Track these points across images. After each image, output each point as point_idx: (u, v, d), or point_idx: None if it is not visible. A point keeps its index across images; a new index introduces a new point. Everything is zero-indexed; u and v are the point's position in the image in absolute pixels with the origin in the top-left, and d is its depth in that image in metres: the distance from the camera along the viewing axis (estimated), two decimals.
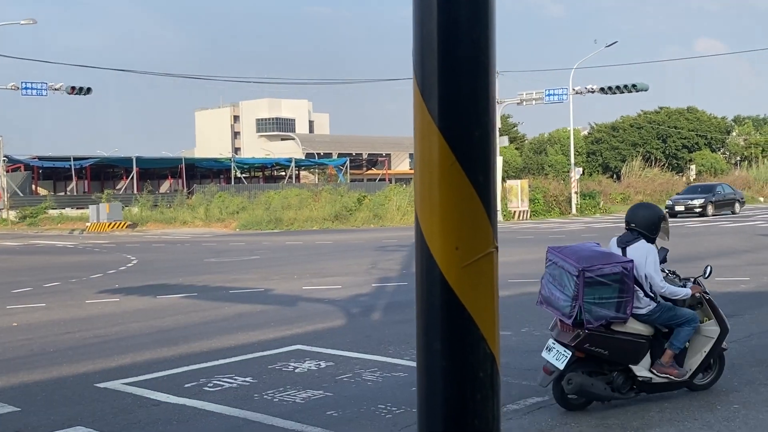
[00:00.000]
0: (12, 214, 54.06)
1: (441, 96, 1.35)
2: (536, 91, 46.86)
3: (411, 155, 76.04)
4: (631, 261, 6.89)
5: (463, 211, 1.35)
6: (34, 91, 40.48)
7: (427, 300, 1.40)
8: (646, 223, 7.26)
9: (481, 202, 1.36)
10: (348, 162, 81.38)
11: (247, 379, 8.35)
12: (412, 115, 1.39)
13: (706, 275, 7.63)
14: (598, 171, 78.23)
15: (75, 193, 67.70)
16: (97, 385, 8.27)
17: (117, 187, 69.67)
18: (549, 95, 45.99)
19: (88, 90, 41.16)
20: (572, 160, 53.03)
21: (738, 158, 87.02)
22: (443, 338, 1.39)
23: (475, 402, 1.39)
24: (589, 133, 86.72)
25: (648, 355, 7.01)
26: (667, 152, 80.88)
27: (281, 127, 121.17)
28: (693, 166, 65.91)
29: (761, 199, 67.00)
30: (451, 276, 1.36)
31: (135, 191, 63.09)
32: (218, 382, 8.21)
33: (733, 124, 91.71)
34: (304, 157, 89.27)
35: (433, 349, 1.40)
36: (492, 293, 1.40)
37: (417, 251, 1.40)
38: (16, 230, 49.15)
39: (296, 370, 8.68)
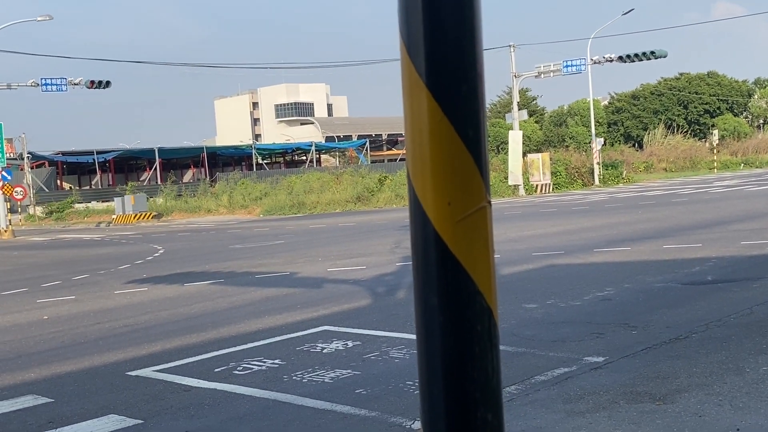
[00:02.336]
0: (38, 210, 54.64)
1: (427, 52, 1.36)
2: (554, 63, 46.55)
3: None
4: None
5: (454, 167, 1.37)
6: (54, 87, 40.68)
7: (422, 257, 1.42)
8: None
9: (471, 156, 1.38)
10: (368, 143, 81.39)
11: (276, 361, 8.41)
12: (400, 73, 1.41)
13: None
14: (619, 141, 77.79)
15: (99, 187, 68.27)
16: (129, 373, 8.36)
17: (141, 179, 70.17)
18: (567, 66, 45.65)
19: (108, 83, 41.33)
20: (593, 131, 52.73)
21: (761, 121, 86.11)
22: (439, 294, 1.41)
23: (474, 355, 1.42)
24: (609, 103, 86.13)
25: None
26: (689, 118, 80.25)
27: (300, 111, 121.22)
28: (716, 131, 65.26)
29: None
30: (445, 232, 1.38)
31: (159, 182, 63.50)
32: (247, 366, 8.28)
33: (754, 87, 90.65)
34: (323, 141, 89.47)
35: (430, 304, 1.42)
36: (487, 247, 1.42)
37: (410, 209, 1.43)
38: (43, 225, 49.63)
39: (324, 351, 8.74)
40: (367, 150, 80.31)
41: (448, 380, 1.42)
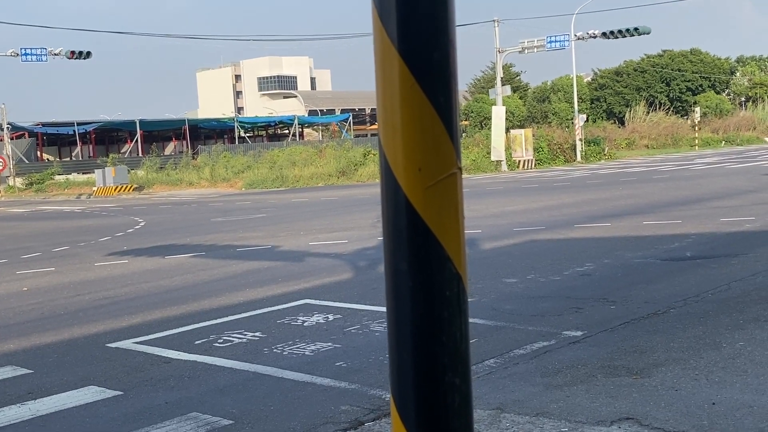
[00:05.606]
0: (18, 181, 54.23)
1: (399, 18, 1.37)
2: (538, 38, 46.47)
3: None
4: None
5: (425, 133, 1.37)
6: (34, 57, 40.26)
7: (392, 222, 1.43)
8: None
9: (442, 123, 1.38)
10: (351, 117, 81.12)
11: (257, 334, 8.42)
12: (372, 38, 1.40)
13: None
14: (602, 117, 77.86)
15: (80, 158, 67.79)
16: (109, 345, 8.35)
17: (122, 151, 69.73)
18: (551, 42, 45.59)
19: (88, 54, 40.94)
20: (576, 107, 52.75)
21: (743, 99, 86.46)
22: (409, 259, 1.42)
23: (443, 320, 1.43)
24: (592, 80, 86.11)
25: None
26: (671, 96, 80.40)
27: (283, 85, 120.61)
28: (697, 109, 65.50)
29: (767, 139, 66.70)
30: (415, 198, 1.39)
31: (140, 154, 63.14)
32: (228, 338, 8.29)
33: (736, 64, 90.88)
34: (306, 115, 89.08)
35: (400, 270, 1.43)
36: (457, 214, 1.42)
37: (381, 175, 1.43)
38: (24, 197, 49.31)
39: (305, 324, 8.75)
40: (350, 124, 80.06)
41: (417, 345, 1.44)
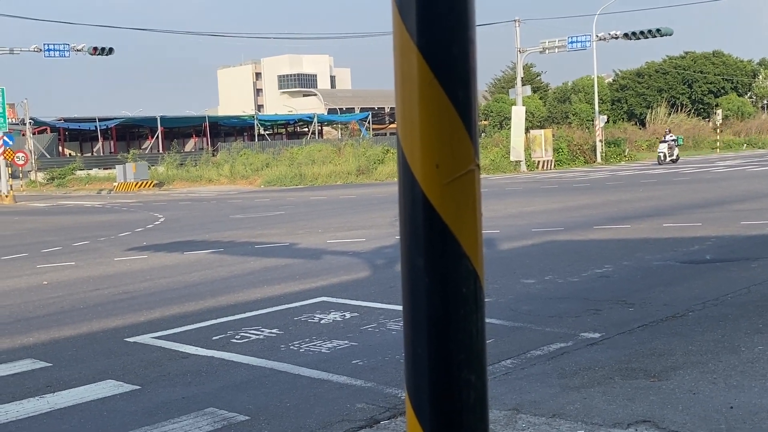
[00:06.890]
0: (40, 176, 54.65)
1: (419, 13, 1.37)
2: (559, 38, 46.31)
3: None
4: None
5: (443, 129, 1.37)
6: (57, 53, 40.49)
7: (409, 218, 1.43)
8: None
9: (461, 119, 1.38)
10: (370, 116, 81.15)
11: (274, 330, 8.44)
12: (392, 34, 1.40)
13: None
14: (623, 118, 77.49)
15: (101, 154, 68.14)
16: (127, 339, 8.40)
17: (142, 147, 70.08)
18: (572, 42, 45.42)
19: (111, 50, 41.13)
20: (596, 108, 52.50)
21: (765, 102, 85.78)
22: (426, 256, 1.42)
23: (459, 317, 1.43)
24: (613, 81, 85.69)
25: None
26: (693, 97, 79.91)
27: (303, 83, 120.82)
28: (719, 111, 65.08)
29: None
30: (433, 194, 1.39)
31: (160, 150, 63.42)
32: (245, 334, 8.31)
33: (759, 67, 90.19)
34: (326, 113, 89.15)
35: (416, 266, 1.43)
36: (474, 211, 1.42)
37: (399, 170, 1.43)
38: (45, 192, 49.66)
39: (322, 321, 8.77)
40: (369, 123, 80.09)
41: (432, 342, 1.44)
